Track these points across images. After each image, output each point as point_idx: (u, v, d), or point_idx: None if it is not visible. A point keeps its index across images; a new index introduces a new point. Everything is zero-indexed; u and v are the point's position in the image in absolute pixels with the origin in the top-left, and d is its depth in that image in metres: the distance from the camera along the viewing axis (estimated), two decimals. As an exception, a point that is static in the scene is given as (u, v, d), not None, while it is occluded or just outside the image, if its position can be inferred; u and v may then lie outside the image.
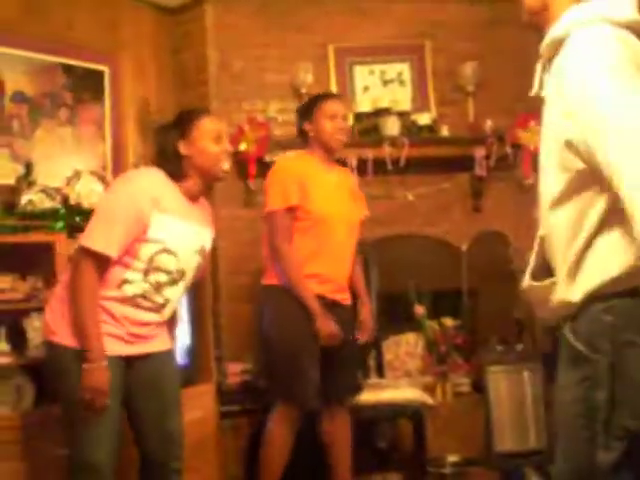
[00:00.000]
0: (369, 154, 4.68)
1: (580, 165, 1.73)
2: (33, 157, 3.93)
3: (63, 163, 4.03)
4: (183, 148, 2.84)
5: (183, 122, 2.89)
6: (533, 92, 1.95)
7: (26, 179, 3.75)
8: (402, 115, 4.80)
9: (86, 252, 2.70)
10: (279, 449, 3.54)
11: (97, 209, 2.83)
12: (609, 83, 1.67)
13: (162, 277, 2.80)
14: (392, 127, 4.72)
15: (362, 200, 3.85)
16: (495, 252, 4.88)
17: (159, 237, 2.75)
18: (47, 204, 3.67)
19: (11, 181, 3.78)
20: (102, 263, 2.70)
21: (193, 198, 2.90)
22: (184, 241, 2.85)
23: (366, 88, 4.98)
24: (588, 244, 1.74)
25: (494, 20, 4.99)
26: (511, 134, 4.80)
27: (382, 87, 4.99)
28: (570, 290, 1.77)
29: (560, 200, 1.79)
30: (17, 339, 3.52)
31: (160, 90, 4.74)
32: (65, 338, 2.72)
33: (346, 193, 3.72)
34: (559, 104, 1.76)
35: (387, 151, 4.68)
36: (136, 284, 2.76)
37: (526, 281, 1.93)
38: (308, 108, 3.70)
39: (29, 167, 3.80)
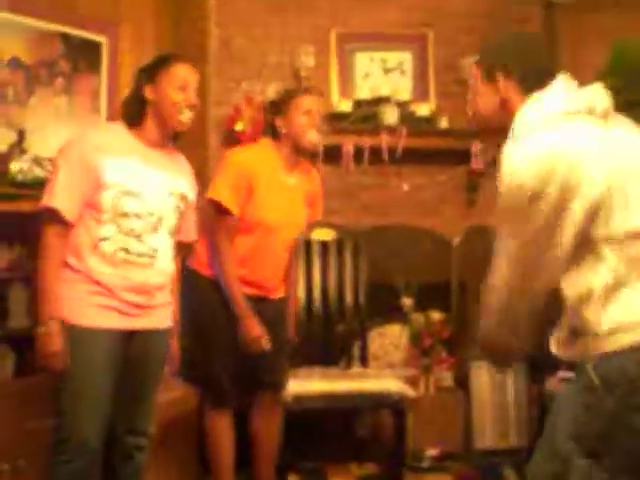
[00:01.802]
0: (366, 142, 4.65)
1: None
2: (27, 126, 3.87)
3: (57, 133, 3.97)
4: (148, 92, 2.80)
5: (155, 66, 2.85)
6: None
7: (18, 147, 3.70)
8: (401, 105, 4.76)
9: (43, 212, 2.70)
10: (220, 447, 3.49)
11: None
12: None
13: (134, 223, 2.74)
14: (391, 116, 4.68)
15: (318, 206, 3.70)
16: (486, 248, 4.85)
17: (115, 180, 2.70)
18: (38, 173, 3.62)
19: (3, 148, 3.73)
20: (60, 220, 2.68)
21: (154, 144, 2.84)
22: (146, 181, 2.78)
23: (367, 75, 4.93)
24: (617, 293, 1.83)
25: (497, 13, 4.95)
26: (509, 130, 4.77)
27: (383, 75, 4.95)
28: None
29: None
30: (-1, 308, 3.50)
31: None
32: None
33: (300, 199, 3.56)
34: None
35: (384, 140, 4.64)
36: (112, 238, 2.71)
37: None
38: (282, 102, 3.51)
39: (22, 135, 3.75)
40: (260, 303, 3.47)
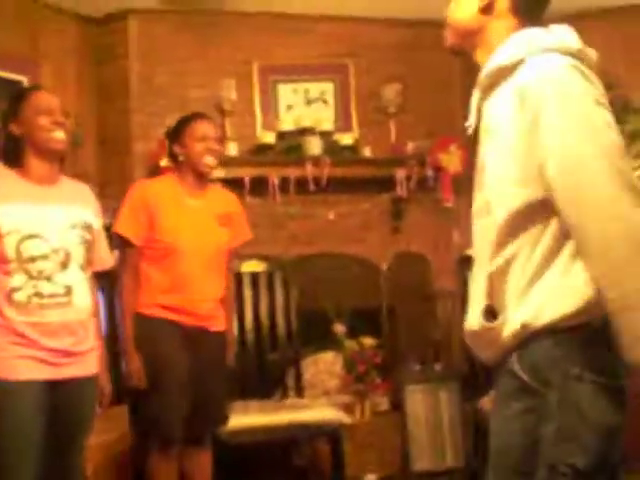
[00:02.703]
0: (291, 173, 4.69)
1: (533, 198, 1.71)
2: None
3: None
4: (15, 128, 2.75)
5: (12, 103, 2.81)
6: (470, 122, 1.88)
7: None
8: (325, 135, 4.83)
9: None
10: None
11: None
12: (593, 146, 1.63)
13: (42, 265, 2.66)
14: (314, 146, 4.74)
15: (240, 225, 3.63)
16: (414, 273, 4.94)
17: (11, 227, 2.63)
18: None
19: None
20: None
21: (44, 180, 2.77)
22: (44, 220, 2.70)
23: (290, 106, 4.99)
24: (540, 275, 1.73)
25: (417, 43, 5.07)
26: (431, 157, 4.87)
27: (305, 106, 5.01)
28: (528, 316, 1.74)
29: (512, 232, 1.75)
30: None
31: (81, 103, 4.65)
32: None
33: (210, 220, 3.49)
34: (523, 140, 1.70)
35: (309, 170, 4.69)
36: (23, 286, 2.64)
37: (476, 322, 1.82)
38: (177, 130, 3.53)
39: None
40: (200, 337, 3.42)
